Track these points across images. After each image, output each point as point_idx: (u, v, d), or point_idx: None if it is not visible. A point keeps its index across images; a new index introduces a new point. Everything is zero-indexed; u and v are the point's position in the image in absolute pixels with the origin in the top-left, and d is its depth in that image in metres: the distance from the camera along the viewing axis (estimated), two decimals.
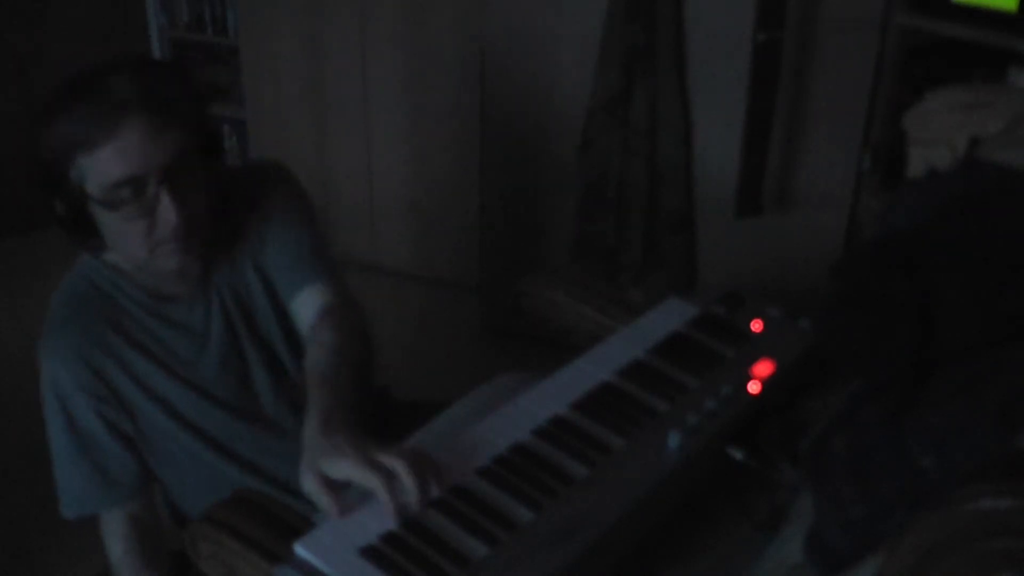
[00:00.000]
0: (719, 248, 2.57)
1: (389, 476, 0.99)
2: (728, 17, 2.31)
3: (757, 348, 1.27)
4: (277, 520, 1.04)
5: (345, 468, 1.01)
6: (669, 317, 1.34)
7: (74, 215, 1.23)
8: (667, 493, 1.07)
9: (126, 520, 1.34)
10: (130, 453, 1.33)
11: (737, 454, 1.13)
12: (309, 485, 1.01)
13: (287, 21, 3.07)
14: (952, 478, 0.79)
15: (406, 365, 2.81)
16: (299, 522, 1.04)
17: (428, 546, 0.94)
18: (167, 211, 1.21)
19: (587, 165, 2.51)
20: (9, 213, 3.33)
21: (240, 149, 3.49)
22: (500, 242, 2.85)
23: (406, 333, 3.01)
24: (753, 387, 1.19)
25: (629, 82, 2.38)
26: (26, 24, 3.29)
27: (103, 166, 1.18)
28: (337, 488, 1.00)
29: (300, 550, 0.94)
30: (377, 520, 0.97)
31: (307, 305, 1.35)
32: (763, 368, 1.22)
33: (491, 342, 2.93)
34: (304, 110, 3.17)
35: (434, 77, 2.94)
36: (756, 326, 1.32)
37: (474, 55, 2.71)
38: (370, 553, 0.92)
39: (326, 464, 1.01)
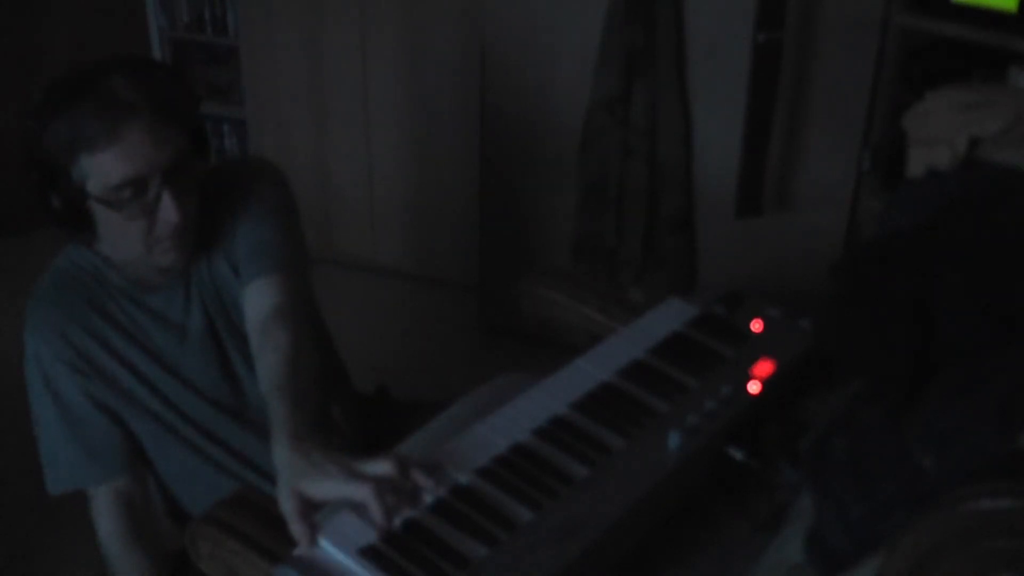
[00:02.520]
0: (719, 248, 2.57)
1: (377, 486, 0.96)
2: (728, 17, 2.30)
3: (757, 348, 1.27)
4: (277, 520, 1.04)
5: (330, 487, 0.98)
6: (669, 317, 1.34)
7: (71, 211, 1.23)
8: (667, 493, 1.07)
9: (114, 496, 1.34)
10: (116, 427, 1.34)
11: (737, 454, 1.13)
12: (287, 507, 0.97)
13: (287, 21, 3.07)
14: (952, 478, 0.79)
15: (406, 365, 2.81)
16: None
17: (428, 546, 0.94)
18: (168, 211, 1.22)
19: (587, 165, 2.51)
20: (9, 213, 3.33)
21: (240, 149, 3.49)
22: (500, 242, 2.85)
23: (406, 333, 3.01)
24: (753, 387, 1.19)
25: (629, 82, 2.38)
26: (26, 24, 3.29)
27: (106, 167, 1.19)
28: (315, 510, 0.98)
29: (300, 550, 0.94)
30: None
31: (257, 297, 1.29)
32: (763, 368, 1.22)
33: (491, 342, 2.93)
34: (304, 110, 3.17)
35: (434, 77, 2.94)
36: (756, 326, 1.32)
37: (474, 55, 2.71)
38: (370, 553, 0.92)
39: (308, 485, 0.98)
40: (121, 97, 1.18)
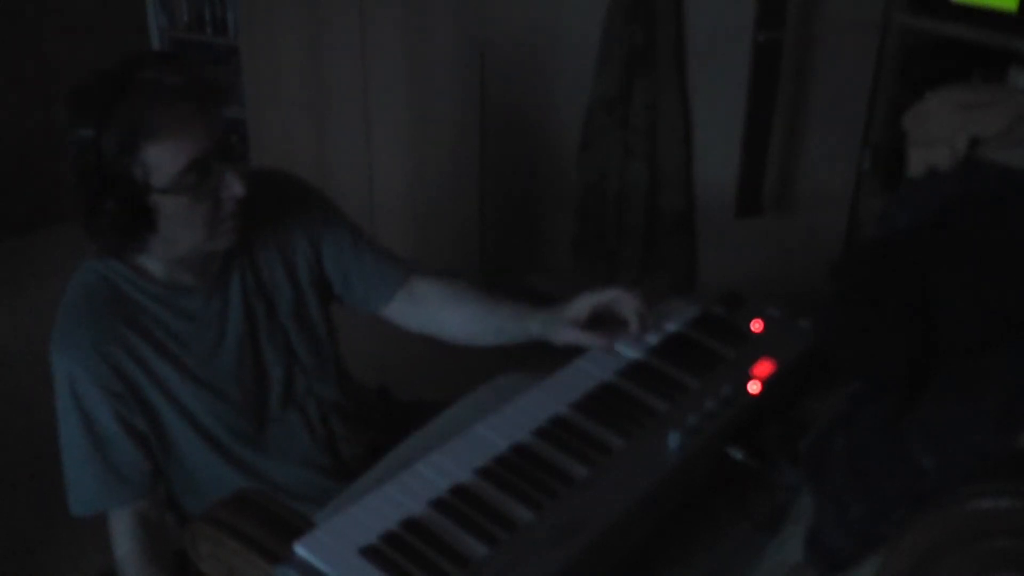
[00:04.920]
0: (719, 248, 2.57)
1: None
2: (728, 17, 2.31)
3: (757, 348, 1.27)
4: (277, 520, 1.04)
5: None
6: (669, 317, 1.34)
7: (132, 213, 1.22)
8: (667, 493, 1.07)
9: (134, 518, 1.33)
10: (142, 452, 1.33)
11: (737, 454, 1.13)
12: (570, 336, 1.32)
13: (287, 21, 3.07)
14: (952, 478, 0.79)
15: (406, 365, 2.81)
16: (299, 522, 1.04)
17: (428, 546, 0.94)
18: (233, 184, 1.26)
19: (587, 165, 2.51)
20: (9, 213, 3.33)
21: (240, 149, 3.49)
22: (500, 242, 2.85)
23: (406, 333, 3.01)
24: (753, 387, 1.19)
25: (629, 82, 2.38)
26: (27, 24, 3.29)
27: (171, 154, 1.20)
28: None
29: (300, 550, 0.94)
30: (377, 519, 0.97)
31: (412, 300, 1.54)
32: (763, 368, 1.22)
33: None
34: (304, 110, 3.17)
35: (434, 77, 2.94)
36: (756, 326, 1.32)
37: (474, 55, 2.71)
38: (370, 553, 0.93)
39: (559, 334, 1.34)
40: (169, 83, 1.21)
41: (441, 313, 1.52)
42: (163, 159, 1.20)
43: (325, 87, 3.11)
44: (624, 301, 1.32)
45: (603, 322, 1.34)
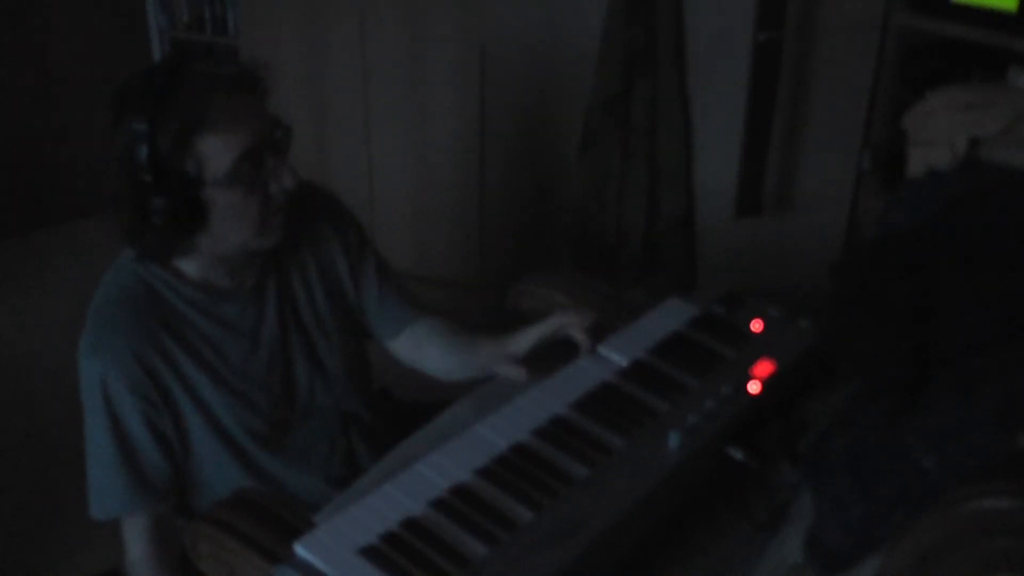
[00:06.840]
0: (719, 248, 2.57)
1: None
2: (728, 17, 2.31)
3: (757, 348, 1.27)
4: (277, 520, 1.04)
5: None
6: (669, 317, 1.34)
7: (184, 207, 1.21)
8: (667, 493, 1.07)
9: (151, 522, 1.32)
10: (167, 458, 1.32)
11: (737, 454, 1.13)
12: (506, 372, 1.36)
13: (287, 21, 3.07)
14: (952, 478, 0.79)
15: (407, 366, 2.81)
16: (299, 522, 1.04)
17: (428, 546, 0.94)
18: (284, 176, 1.27)
19: (587, 165, 2.51)
20: (9, 213, 3.33)
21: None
22: (500, 242, 2.85)
23: None
24: (753, 387, 1.19)
25: (629, 82, 2.38)
26: (27, 24, 3.29)
27: (224, 143, 1.20)
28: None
29: (300, 550, 0.94)
30: (377, 519, 0.97)
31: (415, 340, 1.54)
32: (763, 368, 1.22)
33: None
34: (304, 110, 3.17)
35: (434, 77, 2.94)
36: (756, 326, 1.32)
37: (474, 55, 2.71)
38: (370, 553, 0.93)
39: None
40: (220, 74, 1.22)
41: (425, 350, 1.55)
42: (217, 150, 1.20)
43: (325, 87, 3.10)
44: (569, 326, 1.33)
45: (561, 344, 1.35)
